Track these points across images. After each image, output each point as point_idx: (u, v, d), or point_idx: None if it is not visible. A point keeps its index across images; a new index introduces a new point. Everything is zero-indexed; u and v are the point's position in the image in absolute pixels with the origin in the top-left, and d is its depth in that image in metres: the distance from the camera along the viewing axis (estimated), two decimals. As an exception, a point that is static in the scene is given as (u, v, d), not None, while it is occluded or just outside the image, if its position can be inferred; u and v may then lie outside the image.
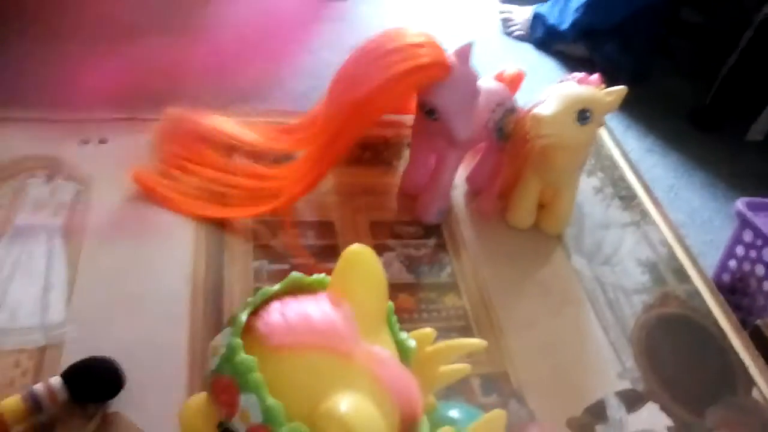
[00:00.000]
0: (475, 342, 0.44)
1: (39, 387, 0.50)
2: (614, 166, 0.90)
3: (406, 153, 0.80)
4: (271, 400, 0.30)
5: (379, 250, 0.71)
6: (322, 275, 0.39)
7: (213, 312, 0.62)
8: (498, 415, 0.41)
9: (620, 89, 0.68)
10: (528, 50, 1.77)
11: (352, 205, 0.75)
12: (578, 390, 0.63)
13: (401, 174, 0.79)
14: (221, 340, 0.34)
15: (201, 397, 0.37)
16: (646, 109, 1.76)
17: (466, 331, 0.66)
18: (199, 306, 0.62)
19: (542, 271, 0.74)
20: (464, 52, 0.64)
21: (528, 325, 0.68)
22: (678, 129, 1.76)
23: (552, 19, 1.79)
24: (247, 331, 0.34)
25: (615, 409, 0.63)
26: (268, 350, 0.32)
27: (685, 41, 1.84)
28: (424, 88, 0.65)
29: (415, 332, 0.43)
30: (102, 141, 0.76)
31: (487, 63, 0.76)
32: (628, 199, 0.85)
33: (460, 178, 0.80)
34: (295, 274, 0.38)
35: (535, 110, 0.65)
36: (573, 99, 0.65)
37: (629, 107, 1.80)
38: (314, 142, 0.68)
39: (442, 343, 0.44)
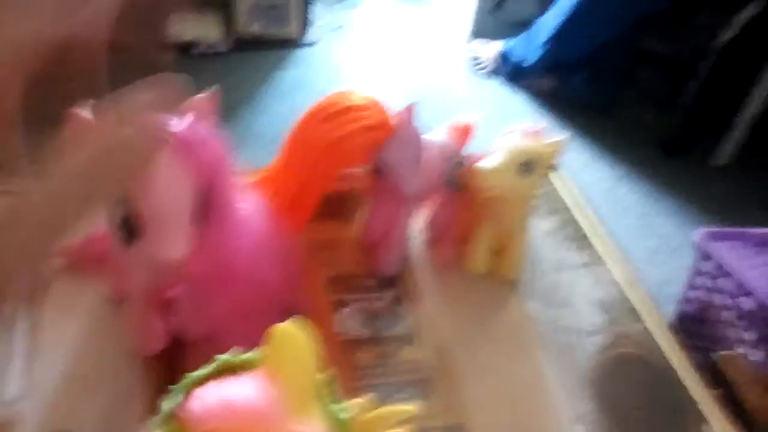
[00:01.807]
0: (408, 409, 0.46)
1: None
2: (565, 208, 0.93)
3: (362, 206, 0.82)
4: None
5: (337, 305, 0.74)
6: (252, 354, 0.40)
7: (171, 380, 0.63)
8: None
9: (559, 139, 0.71)
10: (497, 86, 1.81)
11: (310, 261, 0.77)
12: (534, 437, 0.65)
13: (358, 227, 0.81)
14: (154, 425, 0.35)
15: None
16: (615, 138, 1.80)
17: (424, 384, 0.67)
18: (159, 373, 0.63)
19: (498, 317, 0.76)
20: (408, 113, 0.67)
21: (485, 373, 0.69)
22: (648, 157, 1.81)
23: (519, 55, 1.84)
24: (176, 419, 0.35)
25: (570, 454, 0.64)
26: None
27: (651, 71, 1.89)
28: (372, 147, 0.68)
29: (355, 401, 0.45)
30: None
31: (457, 100, 0.79)
32: (579, 240, 0.88)
33: (417, 227, 0.82)
34: (222, 357, 0.39)
35: (478, 164, 0.68)
36: (514, 152, 0.68)
37: (599, 137, 1.86)
38: (278, 194, 0.71)
39: (378, 411, 0.45)
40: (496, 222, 0.75)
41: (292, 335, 0.39)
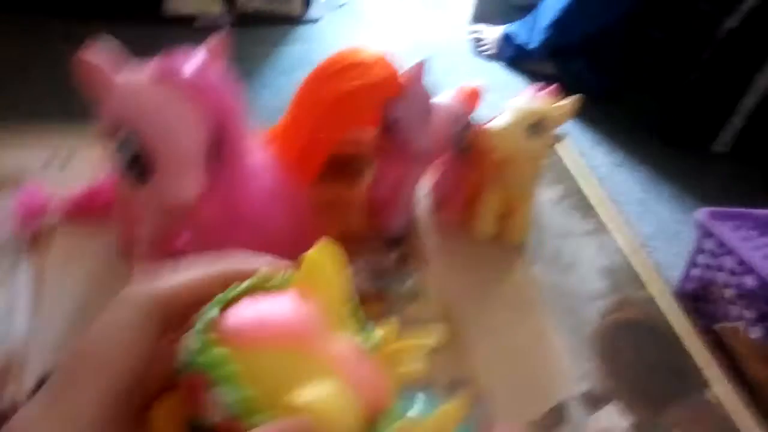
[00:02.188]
0: (432, 341, 0.45)
1: (8, 398, 0.50)
2: (572, 177, 0.93)
3: (370, 168, 0.82)
4: (241, 392, 0.31)
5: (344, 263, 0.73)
6: (284, 276, 0.40)
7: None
8: (454, 405, 0.42)
9: (571, 100, 0.71)
10: (498, 69, 1.81)
11: (317, 219, 0.77)
12: (539, 394, 0.65)
13: (365, 188, 0.80)
14: (190, 337, 0.35)
15: (170, 397, 0.38)
16: (614, 124, 1.80)
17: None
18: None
19: (504, 280, 0.76)
20: (418, 70, 0.67)
21: (490, 332, 0.70)
22: (646, 143, 1.80)
23: (522, 38, 1.83)
24: (211, 333, 0.34)
25: (576, 410, 0.64)
26: (232, 350, 0.33)
27: (652, 57, 1.89)
28: (381, 104, 0.67)
29: (379, 330, 0.45)
30: (64, 162, 0.77)
31: (457, 82, 0.79)
32: (585, 209, 0.88)
33: (423, 190, 0.82)
34: (262, 273, 0.39)
35: (488, 125, 0.67)
36: (524, 113, 0.68)
37: (598, 123, 1.85)
38: (287, 149, 0.70)
39: (400, 344, 0.45)
40: (504, 186, 0.75)
41: (324, 259, 0.39)
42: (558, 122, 0.70)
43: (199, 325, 0.34)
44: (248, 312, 0.35)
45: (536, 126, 0.68)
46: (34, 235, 0.68)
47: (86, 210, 0.70)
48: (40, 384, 0.52)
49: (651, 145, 1.76)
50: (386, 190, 0.77)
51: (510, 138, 0.66)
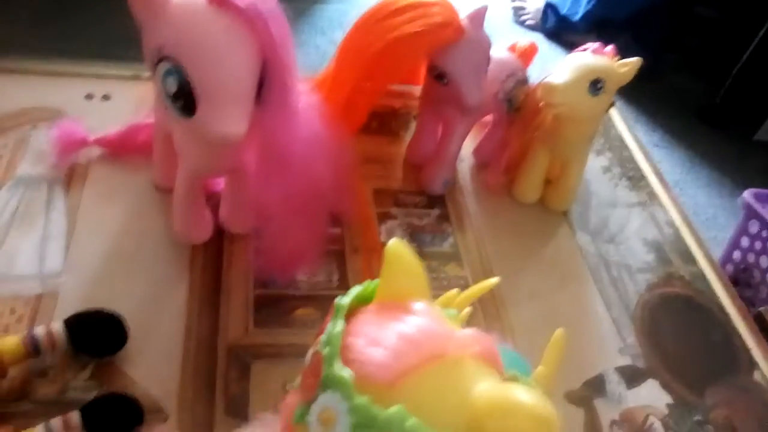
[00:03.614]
0: (491, 282, 0.44)
1: (39, 331, 0.49)
2: (623, 146, 0.89)
3: (413, 125, 0.79)
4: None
5: (382, 218, 0.71)
6: (368, 285, 0.37)
7: (211, 277, 0.61)
8: (559, 334, 0.40)
9: (635, 61, 0.67)
10: (539, 40, 1.75)
11: (358, 173, 0.74)
12: (578, 364, 0.62)
13: (407, 144, 0.78)
14: (324, 405, 0.30)
15: None
16: (654, 104, 1.75)
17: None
18: (197, 269, 0.62)
19: (546, 246, 0.73)
20: (478, 16, 0.63)
21: (530, 298, 0.67)
22: (686, 125, 1.75)
23: (564, 10, 1.77)
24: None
25: (614, 383, 0.62)
26: (384, 389, 0.29)
27: (697, 37, 1.82)
28: (434, 51, 0.64)
29: (442, 297, 0.44)
30: (106, 97, 0.76)
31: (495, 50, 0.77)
32: (635, 179, 0.84)
33: (467, 150, 0.79)
34: (356, 289, 0.36)
35: (547, 79, 0.64)
36: (586, 69, 0.64)
37: (638, 102, 1.80)
38: (332, 97, 0.67)
39: (463, 295, 0.44)
40: (554, 148, 0.72)
41: (403, 251, 0.36)
42: (620, 82, 0.66)
43: (335, 390, 0.30)
44: (376, 350, 0.32)
45: (597, 84, 0.64)
46: (72, 169, 0.67)
47: (124, 147, 0.69)
48: (73, 316, 0.51)
49: (691, 128, 1.70)
50: (430, 147, 0.75)
51: (570, 94, 0.63)
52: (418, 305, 0.33)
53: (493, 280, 0.44)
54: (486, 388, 0.30)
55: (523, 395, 0.28)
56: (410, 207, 0.73)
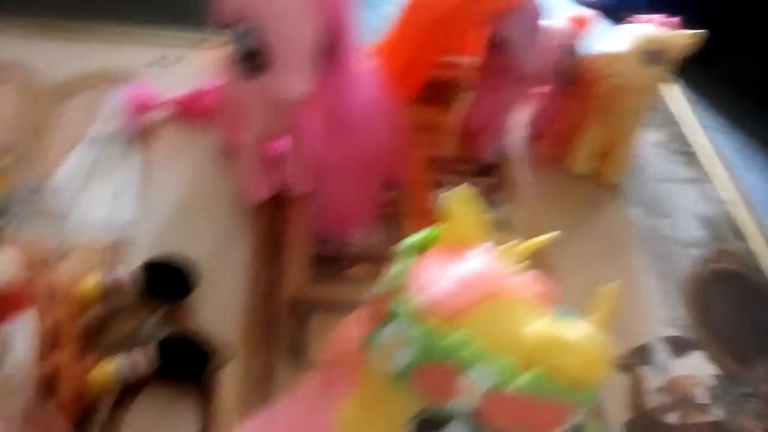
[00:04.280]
0: (549, 236, 0.46)
1: (116, 274, 0.53)
2: (677, 122, 0.88)
3: (466, 95, 0.80)
4: (496, 364, 0.31)
5: (434, 184, 0.73)
6: (431, 230, 0.39)
7: (272, 234, 0.65)
8: (611, 287, 0.42)
9: (695, 33, 0.66)
10: (595, 17, 1.71)
11: (410, 141, 0.76)
12: (626, 332, 0.63)
13: (462, 112, 0.79)
14: (393, 332, 0.33)
15: (380, 397, 0.37)
16: (712, 85, 1.69)
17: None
18: (259, 226, 0.65)
19: (598, 217, 0.74)
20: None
21: (580, 268, 0.68)
22: (743, 109, 1.69)
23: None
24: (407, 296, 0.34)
25: (661, 353, 0.62)
26: (446, 321, 0.32)
27: (759, 17, 1.76)
28: (495, 18, 0.65)
29: (503, 246, 0.45)
30: (178, 59, 0.79)
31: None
32: (689, 155, 0.84)
33: (521, 121, 0.80)
34: (428, 231, 0.38)
35: (606, 48, 0.64)
36: (645, 39, 0.64)
37: (695, 83, 1.74)
38: (390, 64, 0.69)
39: (522, 246, 0.45)
40: (607, 120, 0.72)
41: (464, 200, 0.38)
42: (677, 53, 0.66)
43: (399, 319, 0.32)
44: (444, 281, 0.34)
45: (654, 54, 0.64)
46: (143, 129, 0.71)
47: (192, 110, 0.72)
48: (145, 266, 0.54)
49: (748, 111, 1.64)
50: (483, 115, 0.76)
51: (626, 63, 0.63)
52: (479, 249, 0.35)
53: (551, 235, 0.45)
54: (539, 325, 0.31)
55: (574, 334, 0.30)
56: (463, 175, 0.74)
